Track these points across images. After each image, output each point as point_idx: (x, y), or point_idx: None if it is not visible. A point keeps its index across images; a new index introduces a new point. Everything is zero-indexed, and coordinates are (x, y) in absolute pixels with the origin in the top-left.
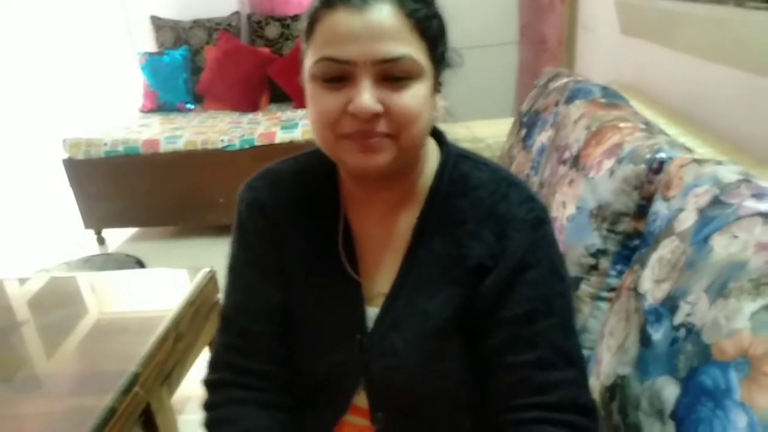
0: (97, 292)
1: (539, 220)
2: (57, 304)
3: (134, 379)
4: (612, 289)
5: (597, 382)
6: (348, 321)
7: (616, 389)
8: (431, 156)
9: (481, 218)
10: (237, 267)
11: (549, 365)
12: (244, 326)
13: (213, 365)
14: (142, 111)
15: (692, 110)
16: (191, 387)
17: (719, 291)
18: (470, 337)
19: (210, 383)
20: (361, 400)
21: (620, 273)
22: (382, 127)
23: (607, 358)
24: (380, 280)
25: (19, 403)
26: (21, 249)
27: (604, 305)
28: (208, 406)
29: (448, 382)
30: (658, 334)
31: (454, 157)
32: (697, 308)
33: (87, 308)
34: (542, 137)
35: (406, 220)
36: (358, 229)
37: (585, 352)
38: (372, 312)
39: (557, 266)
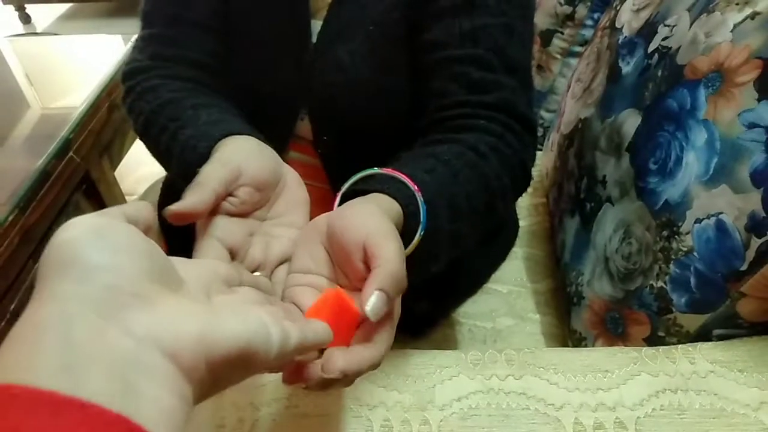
0: (22, 57)
1: None
2: None
3: (66, 144)
4: (585, 42)
5: (557, 135)
6: (291, 35)
7: (575, 134)
8: None
9: None
10: None
11: (488, 67)
12: (172, 13)
13: (130, 60)
14: None
15: None
16: (143, 169)
17: (704, 7)
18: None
19: (125, 73)
20: (304, 129)
21: (597, 22)
22: None
23: (570, 105)
24: None
25: None
26: None
27: (574, 62)
28: (125, 93)
29: (394, 102)
30: (628, 67)
31: None
32: (676, 29)
33: (13, 74)
34: None
35: None
36: None
37: (548, 116)
38: (317, 26)
39: None
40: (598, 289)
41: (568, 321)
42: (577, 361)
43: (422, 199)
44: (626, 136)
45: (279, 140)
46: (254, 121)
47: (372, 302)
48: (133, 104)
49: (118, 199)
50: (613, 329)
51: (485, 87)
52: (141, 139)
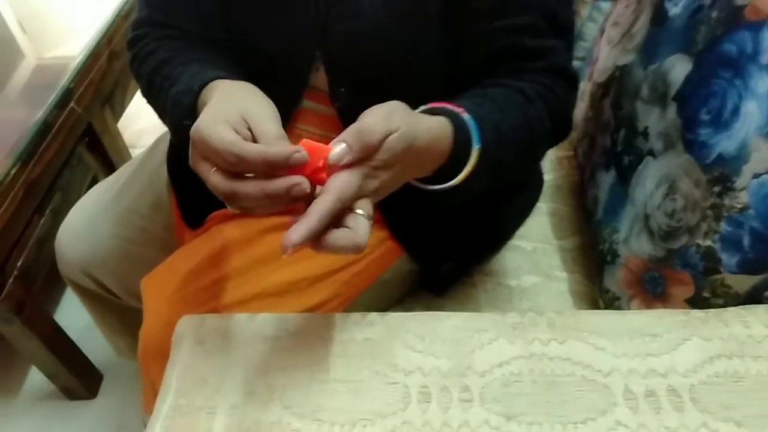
0: (14, 4)
1: None
2: None
3: (67, 94)
4: None
5: (589, 84)
6: None
7: (611, 83)
8: None
9: None
10: None
11: (540, 32)
12: None
13: (133, 25)
14: None
15: None
16: (145, 120)
17: None
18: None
19: (129, 41)
20: (319, 79)
21: None
22: None
23: (605, 51)
24: None
25: None
26: None
27: (606, 5)
28: (131, 60)
29: (422, 50)
30: (676, 8)
31: None
32: None
33: (6, 22)
34: None
35: None
36: None
37: (577, 63)
38: None
39: None
40: (636, 247)
41: (600, 280)
42: (623, 325)
43: (472, 116)
44: (673, 84)
45: (292, 92)
46: (265, 75)
47: (335, 150)
48: (139, 69)
49: (122, 151)
50: (651, 289)
51: (537, 54)
52: (146, 100)
